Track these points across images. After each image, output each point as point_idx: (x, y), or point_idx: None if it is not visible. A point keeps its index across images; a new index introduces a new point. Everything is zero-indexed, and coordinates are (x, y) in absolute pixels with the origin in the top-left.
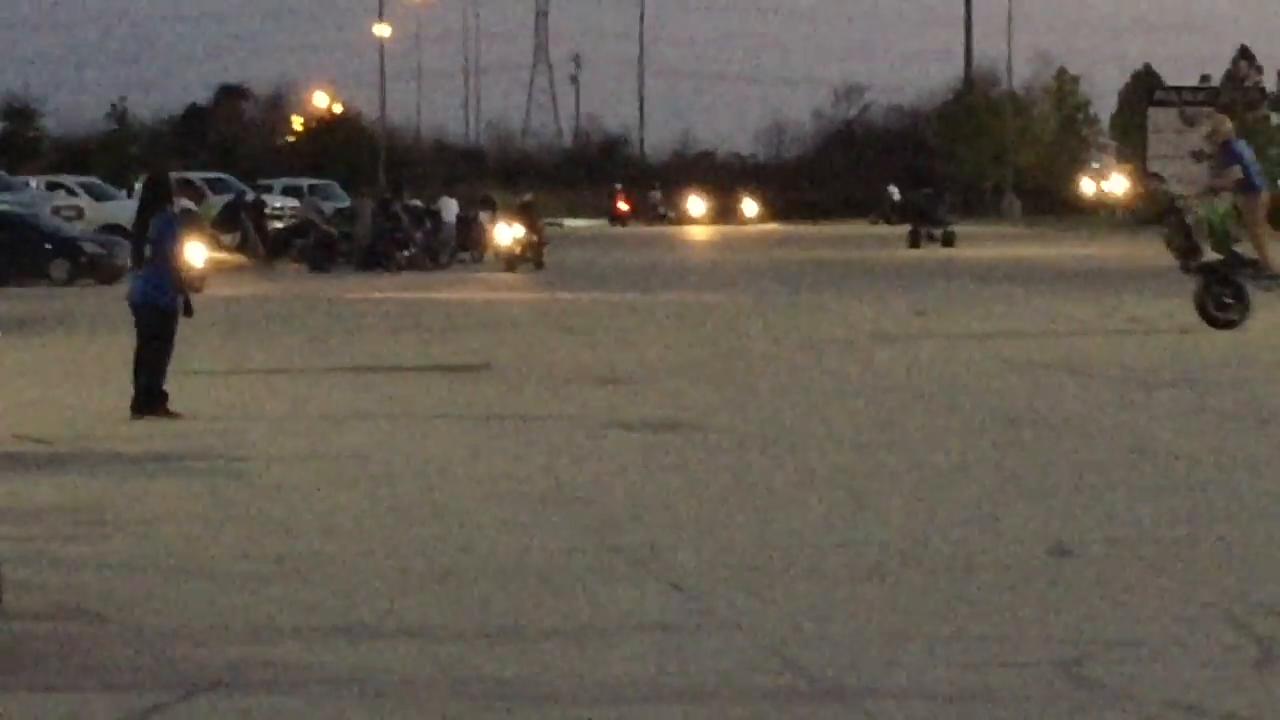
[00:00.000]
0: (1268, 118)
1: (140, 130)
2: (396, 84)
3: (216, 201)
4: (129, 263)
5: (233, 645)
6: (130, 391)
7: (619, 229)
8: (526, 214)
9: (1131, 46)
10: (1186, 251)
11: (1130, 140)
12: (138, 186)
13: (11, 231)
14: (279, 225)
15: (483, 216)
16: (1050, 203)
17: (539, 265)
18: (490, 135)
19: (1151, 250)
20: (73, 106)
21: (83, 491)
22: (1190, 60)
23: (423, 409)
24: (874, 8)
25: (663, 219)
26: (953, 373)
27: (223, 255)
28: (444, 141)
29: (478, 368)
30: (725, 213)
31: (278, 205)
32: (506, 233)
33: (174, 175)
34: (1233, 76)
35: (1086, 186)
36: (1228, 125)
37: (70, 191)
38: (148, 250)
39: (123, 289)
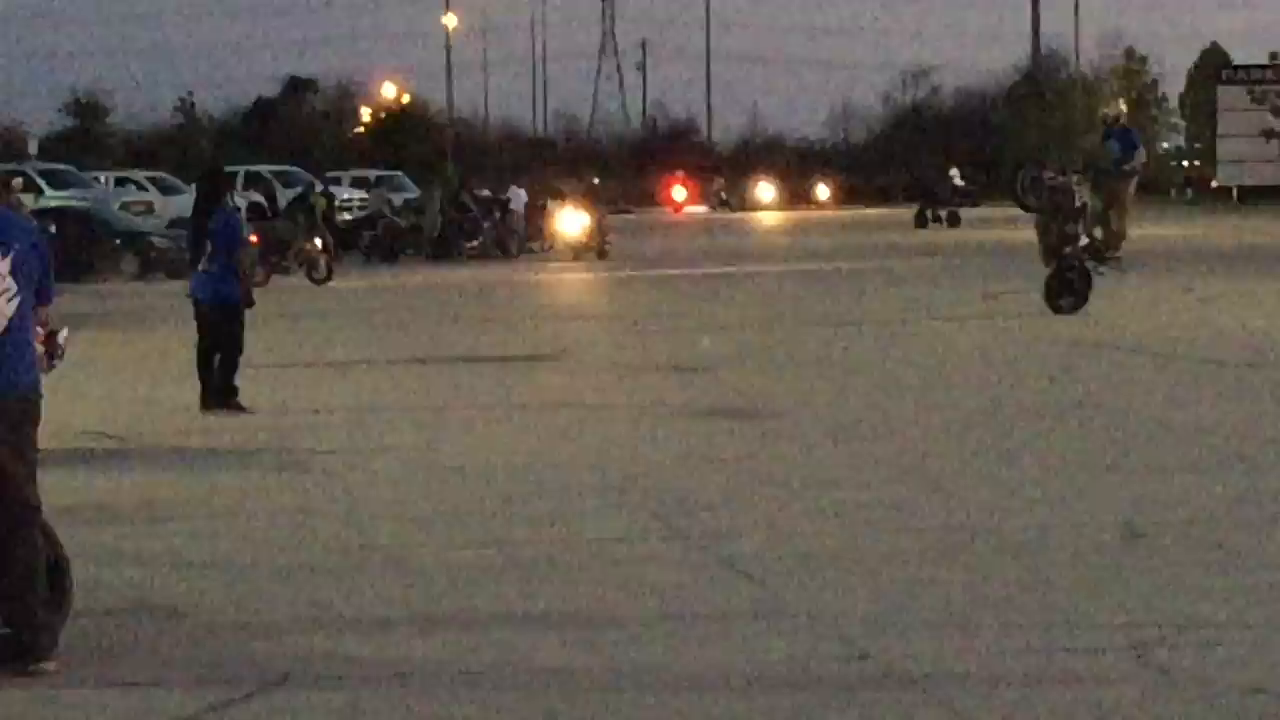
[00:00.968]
0: None
1: (209, 124)
2: (464, 74)
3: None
4: (188, 258)
5: (302, 639)
6: (199, 386)
7: (684, 216)
8: (590, 199)
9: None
10: (1065, 239)
11: (1199, 120)
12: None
13: (81, 227)
14: (348, 217)
15: (552, 206)
16: None
17: (601, 255)
18: (558, 124)
19: (1218, 230)
20: (142, 102)
21: (152, 487)
22: (1261, 38)
23: (491, 399)
24: None
25: (724, 205)
26: (1021, 355)
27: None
28: (512, 131)
29: (546, 357)
30: (795, 198)
31: (346, 197)
32: (574, 222)
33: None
34: None
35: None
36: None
37: (139, 187)
38: (207, 246)
39: None
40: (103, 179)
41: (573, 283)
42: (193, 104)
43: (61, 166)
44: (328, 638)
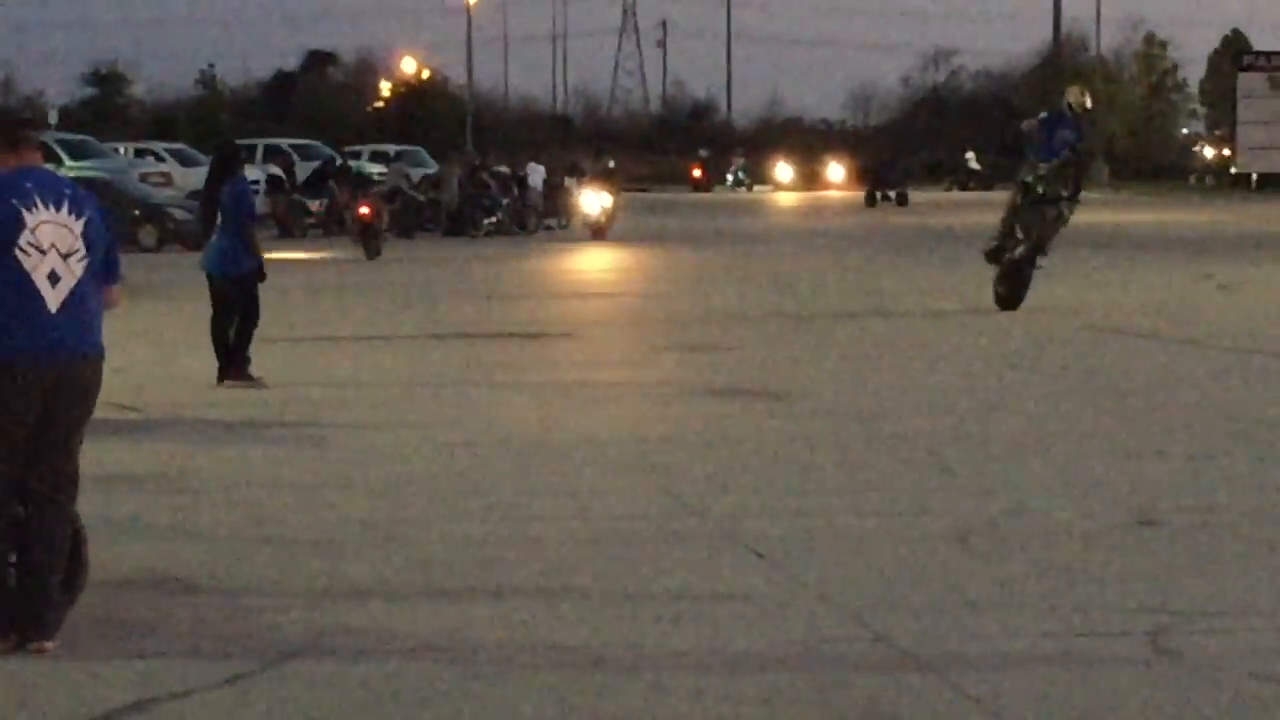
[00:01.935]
0: None
1: (229, 96)
2: (484, 50)
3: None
4: (200, 231)
5: (316, 611)
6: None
7: (702, 195)
8: (609, 181)
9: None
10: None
11: (1219, 106)
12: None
13: (100, 198)
14: None
15: (569, 183)
16: (1137, 168)
17: (598, 234)
18: (578, 102)
19: (1237, 216)
20: (162, 73)
21: (169, 458)
22: None
23: (506, 375)
24: None
25: (742, 185)
26: (1039, 340)
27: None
28: (532, 108)
29: (561, 334)
30: (812, 179)
31: (365, 171)
32: (594, 201)
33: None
34: None
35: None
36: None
37: (159, 158)
38: (219, 218)
39: None
40: (122, 150)
41: (590, 260)
42: (214, 76)
43: (81, 137)
44: (342, 611)
